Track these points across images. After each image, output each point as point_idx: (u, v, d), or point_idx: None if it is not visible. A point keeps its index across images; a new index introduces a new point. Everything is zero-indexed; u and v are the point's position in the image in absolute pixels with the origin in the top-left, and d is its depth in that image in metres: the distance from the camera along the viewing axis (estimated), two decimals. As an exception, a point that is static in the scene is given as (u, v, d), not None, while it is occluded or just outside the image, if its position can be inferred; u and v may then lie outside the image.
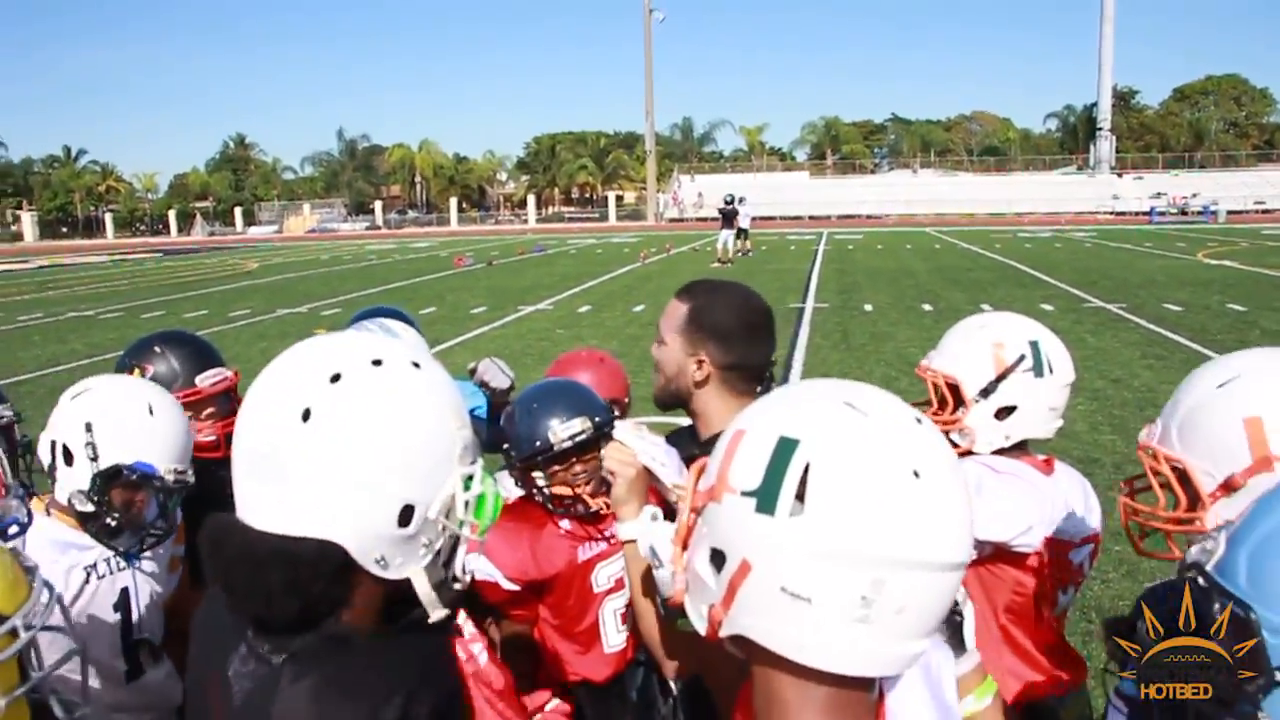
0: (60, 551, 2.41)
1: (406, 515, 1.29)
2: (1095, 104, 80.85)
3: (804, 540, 1.04)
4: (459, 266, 33.87)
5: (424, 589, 1.37)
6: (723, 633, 1.13)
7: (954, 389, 2.49)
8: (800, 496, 1.05)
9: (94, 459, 2.37)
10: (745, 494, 1.08)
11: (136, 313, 22.13)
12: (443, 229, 79.54)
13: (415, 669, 1.29)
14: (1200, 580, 1.30)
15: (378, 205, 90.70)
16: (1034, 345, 2.48)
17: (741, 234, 35.68)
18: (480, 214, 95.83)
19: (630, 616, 2.84)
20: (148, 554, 2.55)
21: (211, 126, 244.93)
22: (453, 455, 1.33)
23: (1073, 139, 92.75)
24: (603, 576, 2.78)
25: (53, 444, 2.44)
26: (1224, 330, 14.98)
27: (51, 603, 1.25)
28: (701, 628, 1.16)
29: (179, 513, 2.62)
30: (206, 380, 3.02)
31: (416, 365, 1.35)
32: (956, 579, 1.08)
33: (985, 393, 2.45)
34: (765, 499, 1.06)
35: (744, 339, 2.31)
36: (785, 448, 1.07)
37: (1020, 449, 2.52)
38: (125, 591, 2.52)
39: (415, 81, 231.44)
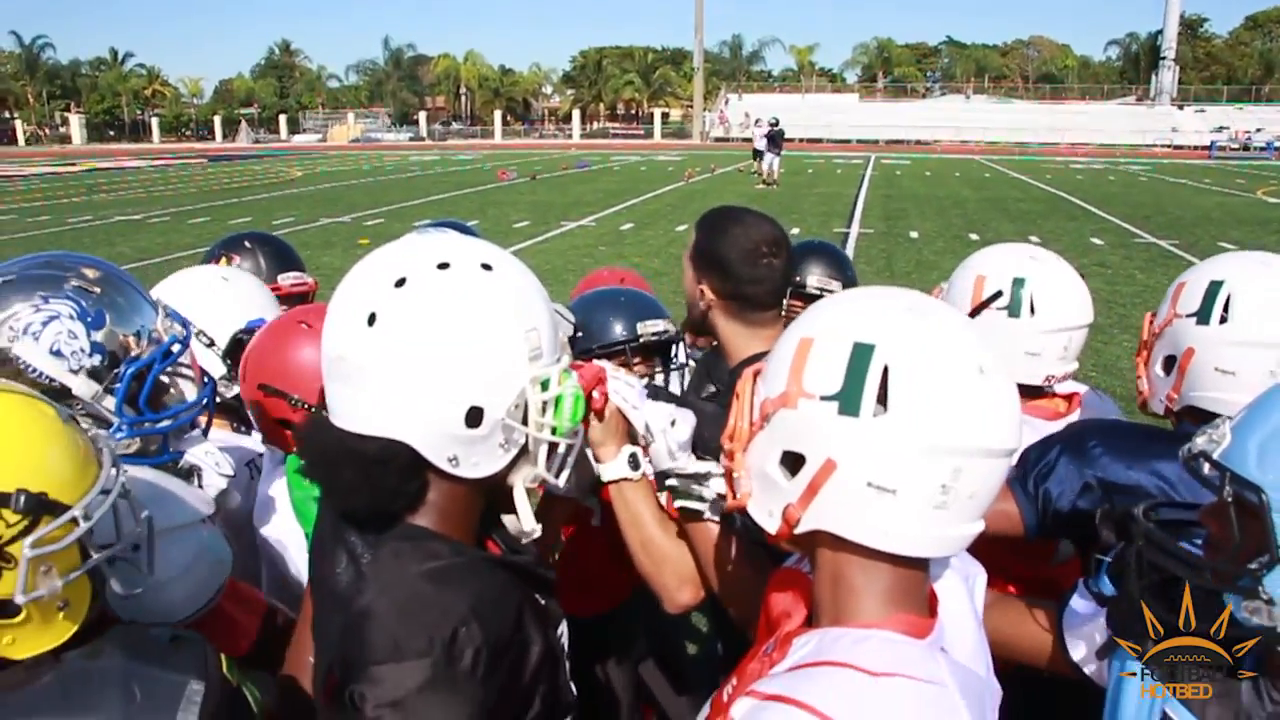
0: (228, 449, 2.51)
1: (475, 416, 1.31)
2: (1160, 31, 78.19)
3: (890, 438, 1.11)
4: (502, 180, 33.75)
5: (519, 493, 1.42)
6: (800, 529, 1.19)
7: None
8: (881, 398, 1.12)
9: (210, 343, 2.50)
10: (825, 398, 1.14)
11: (182, 218, 22.33)
12: (486, 142, 79.11)
13: (476, 598, 1.29)
14: (1207, 465, 1.36)
15: (422, 116, 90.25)
16: (1017, 283, 2.32)
17: (757, 155, 35.44)
18: (524, 128, 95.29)
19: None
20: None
21: (257, 33, 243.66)
22: (521, 357, 1.33)
23: (1134, 68, 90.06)
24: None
25: None
26: None
27: (119, 477, 1.31)
28: (772, 526, 1.22)
29: None
30: (287, 280, 3.18)
31: (487, 267, 1.34)
32: (1009, 463, 1.18)
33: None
34: (848, 401, 1.13)
35: (742, 269, 2.22)
36: (862, 353, 1.13)
37: (1035, 390, 2.37)
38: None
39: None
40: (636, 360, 2.68)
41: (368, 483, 1.31)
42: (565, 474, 1.45)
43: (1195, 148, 61.35)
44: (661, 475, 1.66)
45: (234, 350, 2.48)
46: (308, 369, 2.10)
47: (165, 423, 1.83)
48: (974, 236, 18.50)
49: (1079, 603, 1.65)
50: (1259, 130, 61.60)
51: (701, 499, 1.62)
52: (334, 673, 1.28)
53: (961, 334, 1.17)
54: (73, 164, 48.00)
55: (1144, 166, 44.89)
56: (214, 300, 2.58)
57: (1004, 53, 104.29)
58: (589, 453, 1.65)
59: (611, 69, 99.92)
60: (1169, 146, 64.07)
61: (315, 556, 1.49)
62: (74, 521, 1.23)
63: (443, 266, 1.31)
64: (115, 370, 1.75)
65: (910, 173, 38.24)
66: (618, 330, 2.66)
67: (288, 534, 2.21)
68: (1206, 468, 1.37)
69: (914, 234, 18.81)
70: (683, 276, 2.38)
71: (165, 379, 1.87)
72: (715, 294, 2.26)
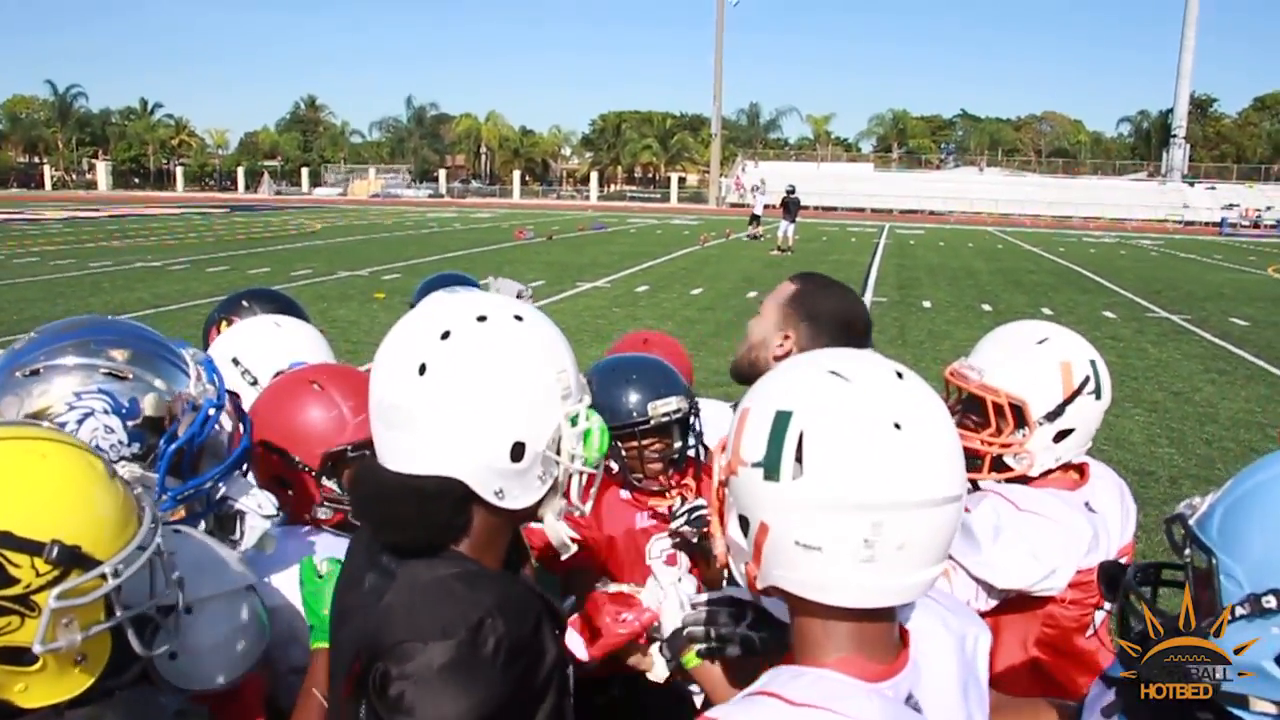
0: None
1: (518, 451, 1.45)
2: (1171, 110, 78.96)
3: (807, 499, 1.19)
4: (519, 239, 34.06)
5: (550, 522, 1.55)
6: (758, 585, 1.28)
7: (1016, 409, 2.32)
8: (799, 461, 1.19)
9: (254, 383, 2.56)
10: (754, 465, 1.23)
11: (202, 266, 22.58)
12: (505, 201, 79.87)
13: (501, 596, 1.41)
14: (1179, 528, 1.41)
15: (442, 173, 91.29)
16: (1093, 365, 2.36)
17: (754, 219, 36.82)
18: (543, 188, 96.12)
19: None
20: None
21: (284, 87, 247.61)
22: (555, 396, 1.48)
23: (1145, 145, 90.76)
24: (656, 549, 2.84)
25: None
26: (1292, 349, 14.67)
27: (155, 537, 1.34)
28: (744, 583, 1.32)
29: None
30: None
31: (519, 318, 1.49)
32: (951, 511, 1.21)
33: (1052, 416, 2.31)
34: (771, 468, 1.22)
35: (834, 333, 2.36)
36: (781, 420, 1.22)
37: (1074, 469, 2.44)
38: None
39: (485, 53, 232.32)
40: (649, 440, 2.69)
41: (422, 516, 1.44)
42: (590, 503, 1.58)
43: (1206, 224, 61.54)
44: (679, 633, 1.65)
45: None
46: (314, 431, 2.12)
47: (208, 485, 1.86)
48: (987, 307, 18.58)
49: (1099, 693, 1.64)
50: (1269, 208, 61.90)
51: (731, 641, 1.60)
52: (359, 658, 1.37)
53: (881, 393, 1.22)
54: (97, 210, 48.64)
55: (1155, 241, 45.08)
56: (265, 344, 2.66)
57: (1017, 127, 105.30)
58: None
59: (630, 133, 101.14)
60: (1180, 222, 64.30)
61: (341, 593, 1.58)
62: (103, 577, 1.25)
63: (481, 319, 1.46)
64: (155, 447, 1.77)
65: (924, 243, 38.46)
66: (629, 409, 2.66)
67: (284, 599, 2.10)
68: (1179, 531, 1.42)
69: (927, 303, 18.90)
70: (753, 320, 2.48)
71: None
72: (798, 348, 2.36)
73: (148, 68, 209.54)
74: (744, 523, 1.27)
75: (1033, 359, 2.35)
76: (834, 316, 2.40)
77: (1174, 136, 76.49)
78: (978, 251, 34.44)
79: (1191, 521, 1.40)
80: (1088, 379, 2.32)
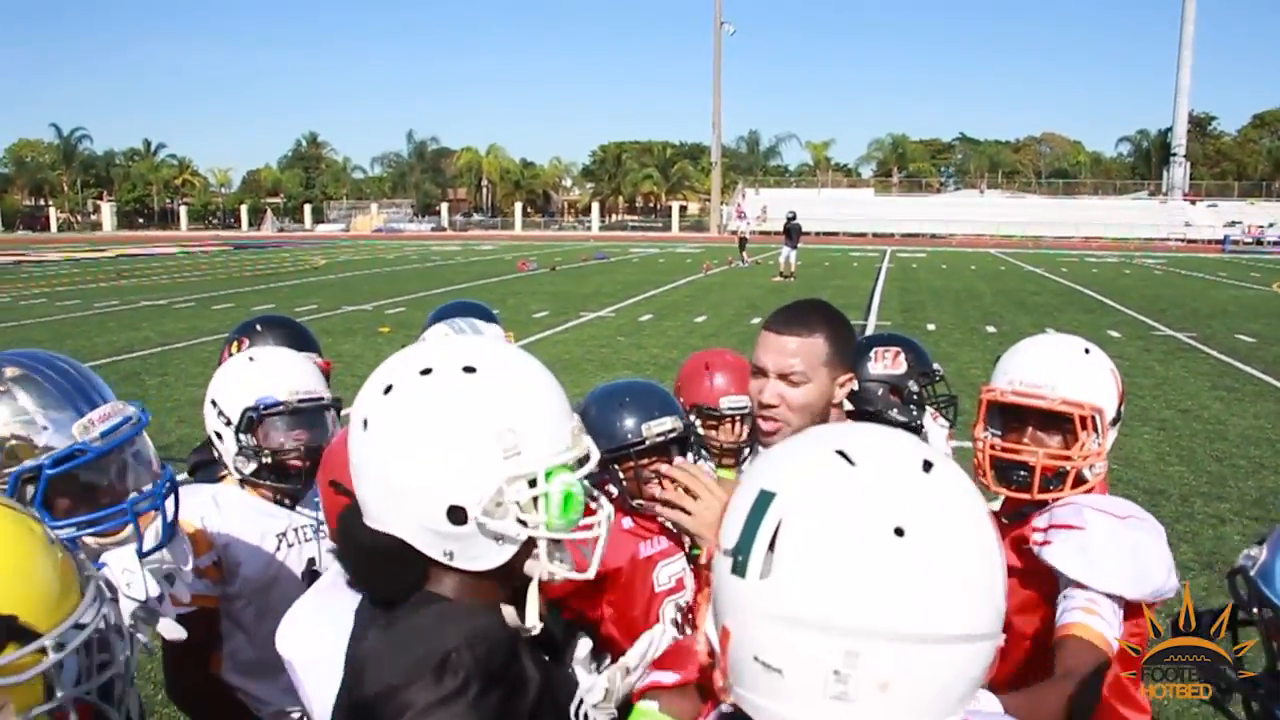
0: (254, 516, 2.62)
1: (458, 514, 1.35)
2: (1170, 129, 79.23)
3: (770, 605, 0.95)
4: (522, 270, 34.15)
5: (533, 588, 1.44)
6: (727, 698, 1.06)
7: (1091, 420, 2.29)
8: (770, 555, 0.96)
9: (229, 422, 2.59)
10: (725, 553, 1.01)
11: (207, 304, 22.66)
12: (507, 233, 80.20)
13: (470, 631, 1.36)
14: (1243, 581, 1.36)
15: (444, 207, 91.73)
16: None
17: (742, 244, 37.55)
18: (544, 219, 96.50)
19: (693, 616, 2.88)
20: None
21: (286, 124, 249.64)
22: (494, 456, 1.35)
23: (1145, 164, 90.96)
24: (664, 575, 2.81)
25: (208, 437, 2.70)
26: (1299, 364, 14.62)
27: (101, 606, 1.20)
28: (719, 690, 1.09)
29: None
30: None
31: (470, 369, 1.39)
32: (971, 652, 0.95)
33: (1115, 420, 2.35)
34: (738, 559, 0.99)
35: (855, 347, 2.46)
36: (761, 502, 0.99)
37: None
38: (312, 561, 2.66)
39: (485, 86, 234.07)
40: (646, 461, 2.67)
41: (375, 569, 1.44)
42: (594, 565, 1.47)
43: (1208, 241, 61.58)
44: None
45: (247, 427, 2.58)
46: None
47: (65, 530, 1.69)
48: (991, 329, 18.57)
49: None
50: (1271, 225, 61.93)
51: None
52: (341, 715, 1.37)
53: (889, 486, 0.97)
54: (102, 250, 48.90)
55: (1158, 260, 45.10)
56: (235, 381, 2.67)
57: (1016, 149, 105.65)
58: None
59: (631, 163, 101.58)
60: (1182, 240, 64.34)
61: (350, 649, 1.54)
62: (43, 651, 1.10)
63: (425, 372, 1.39)
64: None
65: (926, 266, 38.51)
66: (624, 432, 2.65)
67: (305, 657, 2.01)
68: (1241, 585, 1.38)
69: (931, 326, 18.88)
70: (791, 392, 2.31)
71: (82, 484, 1.79)
72: (856, 378, 2.41)
73: (151, 109, 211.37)
74: (716, 619, 1.05)
75: (1091, 367, 2.36)
76: (855, 338, 2.45)
77: (1174, 155, 76.75)
78: (980, 273, 34.48)
79: (1254, 574, 1.36)
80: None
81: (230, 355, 3.10)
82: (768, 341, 2.37)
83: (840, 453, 0.99)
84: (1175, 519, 7.38)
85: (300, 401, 2.61)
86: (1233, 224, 63.79)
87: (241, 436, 2.59)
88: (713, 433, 3.24)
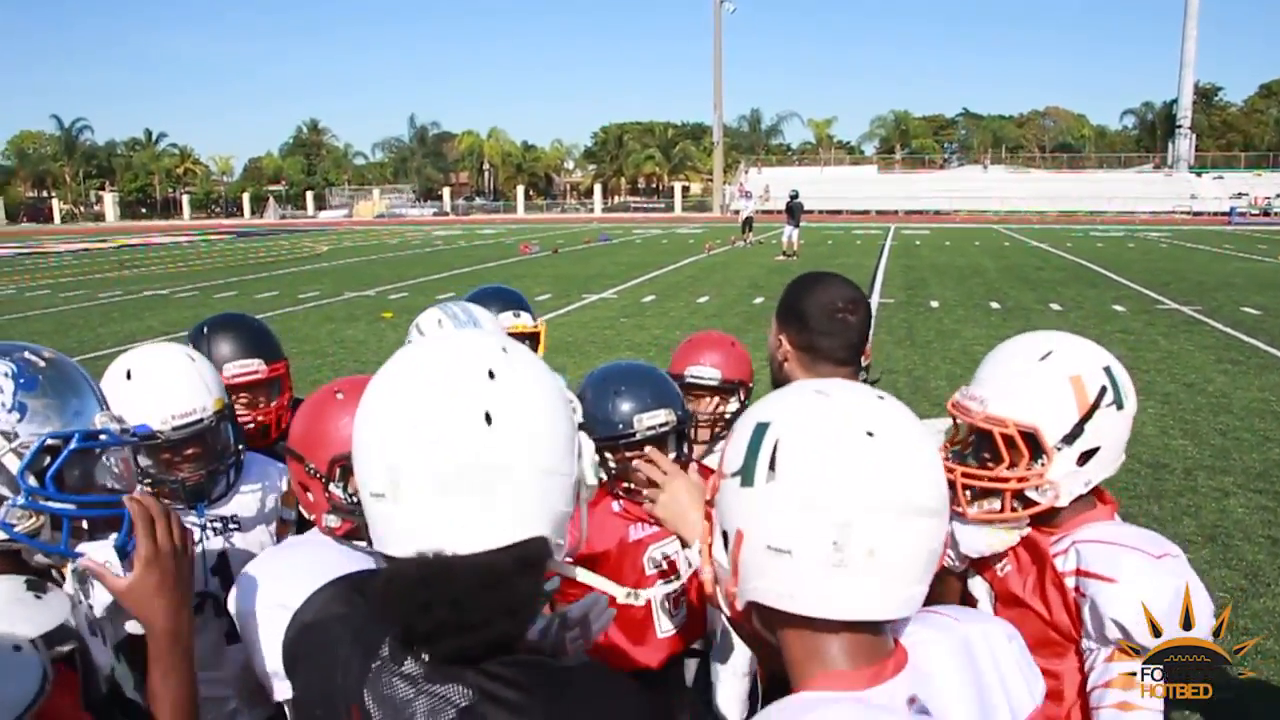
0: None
1: (576, 489, 1.33)
2: (1175, 100, 78.77)
3: (777, 500, 1.19)
4: (525, 254, 34.12)
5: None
6: (738, 604, 1.26)
7: (1029, 437, 2.06)
8: (773, 465, 1.20)
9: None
10: (733, 475, 1.25)
11: (210, 293, 22.67)
12: (509, 216, 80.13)
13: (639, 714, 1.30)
14: None
15: (446, 192, 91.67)
16: (1109, 372, 2.09)
17: (747, 224, 37.59)
18: (546, 202, 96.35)
19: (681, 603, 2.87)
20: (258, 524, 2.70)
21: (286, 112, 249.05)
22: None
23: (1150, 136, 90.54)
24: (656, 556, 2.81)
25: None
26: (1304, 336, 14.56)
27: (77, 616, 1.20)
28: (728, 610, 1.30)
29: (242, 460, 2.68)
30: (230, 370, 3.07)
31: (504, 350, 1.30)
32: (927, 526, 1.19)
33: (1070, 438, 2.05)
34: (746, 474, 1.23)
35: (818, 322, 2.41)
36: (759, 430, 1.24)
37: (1094, 493, 2.15)
38: (224, 555, 2.63)
39: (486, 70, 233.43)
40: (636, 454, 2.64)
41: (505, 602, 1.24)
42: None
43: (1215, 214, 61.31)
44: None
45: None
46: (325, 436, 2.14)
47: (66, 506, 1.67)
48: (995, 305, 18.52)
49: None
50: (1278, 196, 61.62)
51: None
52: None
53: (858, 406, 1.23)
54: (105, 241, 48.93)
55: (1163, 233, 44.92)
56: (114, 400, 2.58)
57: (1020, 123, 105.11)
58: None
59: (632, 144, 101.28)
60: (1188, 213, 64.05)
61: (315, 683, 1.42)
62: None
63: (505, 350, 1.29)
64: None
65: (929, 243, 38.39)
66: (616, 421, 2.65)
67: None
68: None
69: (935, 303, 18.83)
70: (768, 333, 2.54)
71: (84, 471, 1.77)
72: (791, 345, 2.45)
73: (151, 98, 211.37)
74: (725, 538, 1.27)
75: (1039, 378, 2.08)
76: (813, 305, 2.43)
77: (1179, 127, 76.27)
78: (984, 250, 34.36)
79: None
80: (1104, 389, 2.06)
81: None
82: None
83: (817, 391, 1.26)
84: (1179, 492, 7.37)
85: (176, 429, 2.49)
86: (1239, 195, 63.49)
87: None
88: (692, 404, 3.36)
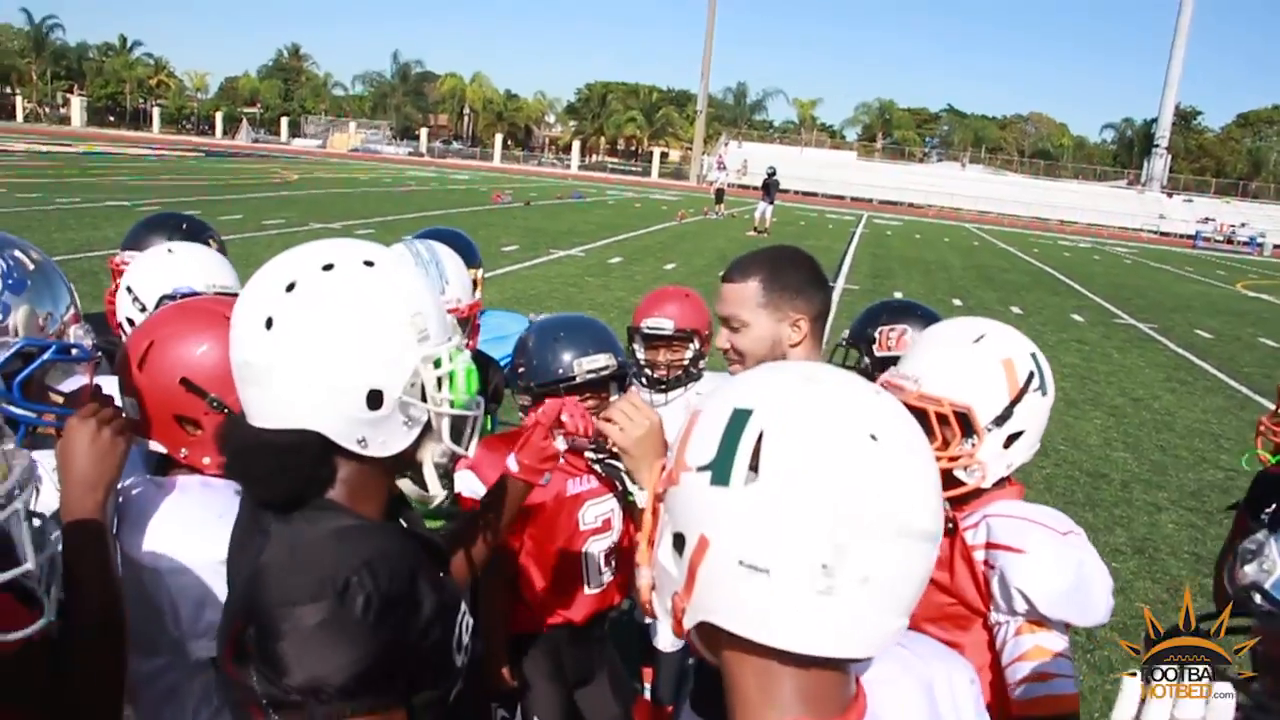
0: None
1: (375, 399, 1.42)
2: (1155, 120, 79.48)
3: (759, 507, 0.99)
4: (496, 203, 33.85)
5: (428, 467, 1.53)
6: (686, 622, 1.07)
7: (962, 417, 2.08)
8: (754, 465, 1.00)
9: (144, 309, 2.64)
10: (700, 469, 1.04)
11: (173, 209, 22.17)
12: (485, 164, 79.28)
13: (372, 550, 1.37)
14: (1259, 596, 1.36)
15: (423, 132, 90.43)
16: (1035, 359, 2.14)
17: (719, 197, 38.08)
18: (524, 153, 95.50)
19: (612, 560, 2.88)
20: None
21: (268, 33, 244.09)
22: (409, 339, 1.44)
23: (1127, 153, 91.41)
24: (590, 514, 2.81)
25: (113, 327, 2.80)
26: (1253, 364, 14.85)
27: (23, 496, 1.20)
28: (668, 621, 1.10)
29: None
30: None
31: (369, 263, 1.45)
32: (925, 551, 1.03)
33: (1000, 420, 2.09)
34: (720, 470, 1.02)
35: (816, 285, 2.32)
36: (738, 418, 1.04)
37: (1007, 479, 2.19)
38: None
39: (474, 13, 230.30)
40: (583, 397, 2.65)
41: (284, 471, 1.41)
42: (472, 445, 1.55)
43: (1181, 236, 62.10)
44: None
45: None
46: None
47: (26, 413, 1.75)
48: (957, 302, 18.67)
49: None
50: (1243, 225, 62.55)
51: None
52: (237, 620, 1.35)
53: (857, 400, 1.05)
54: (69, 145, 47.82)
55: (1130, 249, 45.49)
56: (152, 267, 2.68)
57: (1002, 125, 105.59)
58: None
59: (615, 104, 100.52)
60: (1156, 233, 64.85)
61: (231, 555, 1.55)
62: None
63: (327, 268, 1.43)
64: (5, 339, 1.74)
65: (900, 234, 38.59)
66: (556, 367, 2.68)
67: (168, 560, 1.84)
68: (1258, 598, 1.37)
69: (898, 294, 18.92)
70: (733, 338, 2.30)
71: (46, 383, 1.82)
72: (810, 320, 2.29)
73: (128, 4, 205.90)
74: (679, 541, 1.06)
75: (972, 359, 2.11)
76: (807, 272, 2.31)
77: (1156, 146, 76.99)
78: (953, 246, 34.61)
79: (1268, 586, 1.37)
80: (1032, 375, 2.11)
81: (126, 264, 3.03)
82: (720, 291, 2.37)
83: (804, 377, 1.07)
84: (1114, 503, 7.51)
85: (217, 293, 2.56)
86: (1206, 220, 64.30)
87: None
88: (651, 354, 3.57)
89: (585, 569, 2.83)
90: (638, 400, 1.93)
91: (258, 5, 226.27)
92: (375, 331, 1.42)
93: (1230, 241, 59.44)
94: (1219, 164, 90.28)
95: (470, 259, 4.02)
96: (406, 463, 1.52)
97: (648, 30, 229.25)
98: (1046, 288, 23.50)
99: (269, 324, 1.40)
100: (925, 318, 3.09)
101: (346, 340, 1.40)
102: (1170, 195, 74.96)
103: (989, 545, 2.02)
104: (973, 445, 2.09)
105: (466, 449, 1.54)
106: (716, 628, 1.03)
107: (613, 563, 2.88)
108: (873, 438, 1.00)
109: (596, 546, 2.83)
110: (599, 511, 2.82)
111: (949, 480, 2.09)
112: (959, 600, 2.06)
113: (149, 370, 1.87)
